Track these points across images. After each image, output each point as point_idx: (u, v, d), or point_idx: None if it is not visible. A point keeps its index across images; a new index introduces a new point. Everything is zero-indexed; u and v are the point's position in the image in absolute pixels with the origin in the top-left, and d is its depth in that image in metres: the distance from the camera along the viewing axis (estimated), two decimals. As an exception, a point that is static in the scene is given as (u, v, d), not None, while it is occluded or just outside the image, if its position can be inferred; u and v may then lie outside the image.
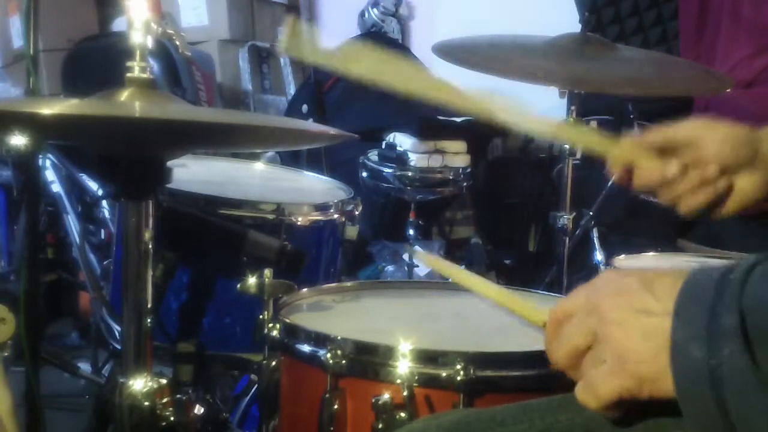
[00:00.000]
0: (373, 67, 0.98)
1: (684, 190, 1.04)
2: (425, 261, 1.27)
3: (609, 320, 0.72)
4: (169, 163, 1.19)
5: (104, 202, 2.65)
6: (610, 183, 2.34)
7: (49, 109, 1.02)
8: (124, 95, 1.14)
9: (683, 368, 0.66)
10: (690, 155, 1.04)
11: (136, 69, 1.15)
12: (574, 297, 0.77)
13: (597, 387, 0.72)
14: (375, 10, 4.06)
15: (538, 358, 1.08)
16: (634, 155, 1.06)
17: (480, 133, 3.32)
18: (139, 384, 1.18)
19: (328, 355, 1.09)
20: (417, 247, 1.37)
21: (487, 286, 1.06)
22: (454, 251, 3.16)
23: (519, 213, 3.26)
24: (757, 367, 0.62)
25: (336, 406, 1.10)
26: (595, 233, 2.16)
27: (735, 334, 0.63)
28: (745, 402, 0.63)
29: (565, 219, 1.92)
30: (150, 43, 1.15)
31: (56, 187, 2.81)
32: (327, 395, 1.10)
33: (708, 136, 1.04)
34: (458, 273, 1.18)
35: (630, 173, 1.07)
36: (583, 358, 0.74)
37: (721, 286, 0.65)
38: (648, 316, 0.70)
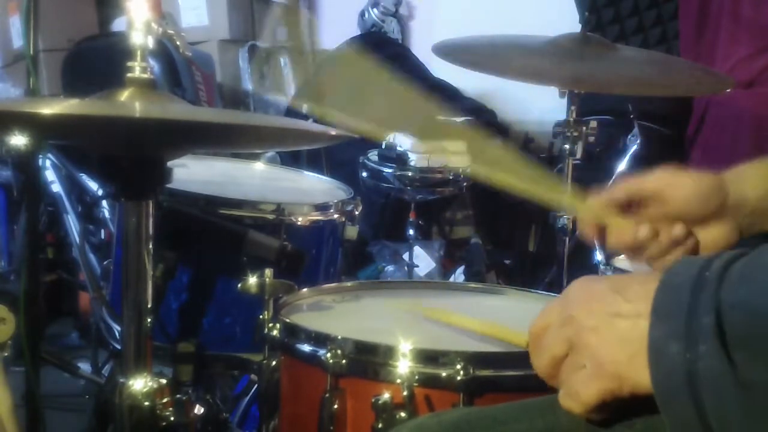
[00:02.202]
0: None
1: (655, 253, 1.02)
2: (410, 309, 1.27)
3: (584, 328, 0.73)
4: (169, 163, 1.19)
5: (104, 202, 2.65)
6: (610, 183, 2.34)
7: (49, 109, 1.02)
8: (124, 95, 1.14)
9: (660, 364, 0.66)
10: (656, 208, 1.01)
11: (136, 69, 1.15)
12: (549, 310, 0.78)
13: (579, 391, 0.73)
14: (375, 10, 4.06)
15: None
16: (603, 214, 1.04)
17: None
18: (139, 384, 1.18)
19: (328, 355, 1.09)
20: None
21: (468, 321, 1.07)
22: (454, 251, 3.16)
23: (519, 213, 3.26)
24: (733, 366, 0.62)
25: (336, 406, 1.10)
26: (595, 233, 2.16)
27: (711, 334, 0.63)
28: (720, 400, 0.63)
29: (565, 219, 1.92)
30: (150, 43, 1.15)
31: (56, 187, 2.81)
32: (327, 395, 1.10)
33: (674, 190, 1.01)
34: (439, 313, 1.20)
35: (602, 232, 1.06)
36: (561, 366, 0.75)
37: (697, 285, 0.66)
38: (621, 318, 0.71)
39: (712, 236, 1.02)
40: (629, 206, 1.03)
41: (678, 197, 1.01)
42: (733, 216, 1.01)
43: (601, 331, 0.72)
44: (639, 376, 0.68)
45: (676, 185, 1.01)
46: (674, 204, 1.01)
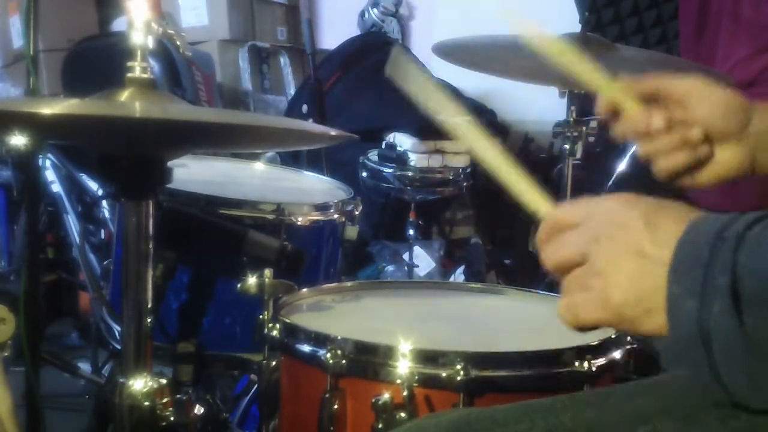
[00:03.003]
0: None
1: (663, 147, 1.01)
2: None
3: (604, 251, 0.73)
4: (169, 163, 1.19)
5: (104, 202, 2.65)
6: (610, 183, 2.34)
7: (49, 109, 1.02)
8: (124, 95, 1.14)
9: (677, 318, 0.67)
10: (679, 112, 1.00)
11: (136, 69, 1.15)
12: (578, 210, 0.77)
13: (578, 312, 0.74)
14: (375, 10, 4.06)
15: (538, 358, 1.08)
16: (624, 98, 1.03)
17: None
18: (139, 384, 1.18)
19: (328, 355, 1.09)
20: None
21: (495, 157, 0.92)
22: (454, 251, 3.16)
23: (519, 213, 3.25)
24: (743, 328, 0.63)
25: (336, 406, 1.10)
26: (595, 233, 2.16)
27: (725, 294, 0.64)
28: (730, 360, 0.64)
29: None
30: (150, 43, 1.15)
31: (56, 187, 2.82)
32: (327, 395, 1.10)
33: (702, 98, 1.00)
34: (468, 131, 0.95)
35: (616, 116, 1.04)
36: (571, 272, 0.75)
37: (715, 246, 0.66)
38: (642, 258, 0.71)
39: (726, 156, 1.02)
40: (653, 101, 1.02)
41: (704, 105, 1.00)
42: (751, 145, 1.01)
43: (619, 264, 0.71)
44: (641, 321, 0.70)
45: (705, 93, 1.01)
46: (698, 111, 1.00)
